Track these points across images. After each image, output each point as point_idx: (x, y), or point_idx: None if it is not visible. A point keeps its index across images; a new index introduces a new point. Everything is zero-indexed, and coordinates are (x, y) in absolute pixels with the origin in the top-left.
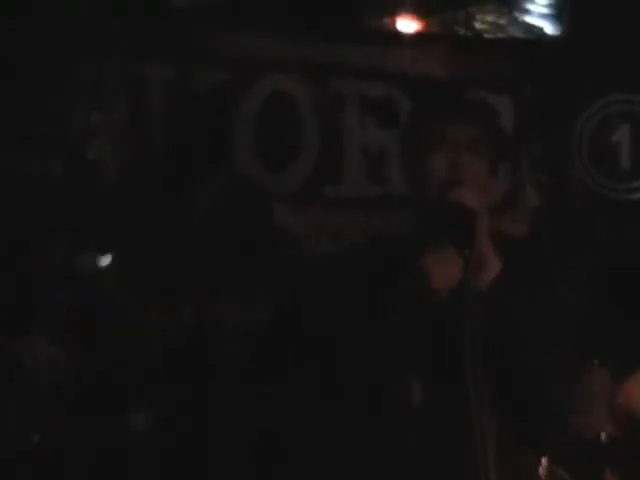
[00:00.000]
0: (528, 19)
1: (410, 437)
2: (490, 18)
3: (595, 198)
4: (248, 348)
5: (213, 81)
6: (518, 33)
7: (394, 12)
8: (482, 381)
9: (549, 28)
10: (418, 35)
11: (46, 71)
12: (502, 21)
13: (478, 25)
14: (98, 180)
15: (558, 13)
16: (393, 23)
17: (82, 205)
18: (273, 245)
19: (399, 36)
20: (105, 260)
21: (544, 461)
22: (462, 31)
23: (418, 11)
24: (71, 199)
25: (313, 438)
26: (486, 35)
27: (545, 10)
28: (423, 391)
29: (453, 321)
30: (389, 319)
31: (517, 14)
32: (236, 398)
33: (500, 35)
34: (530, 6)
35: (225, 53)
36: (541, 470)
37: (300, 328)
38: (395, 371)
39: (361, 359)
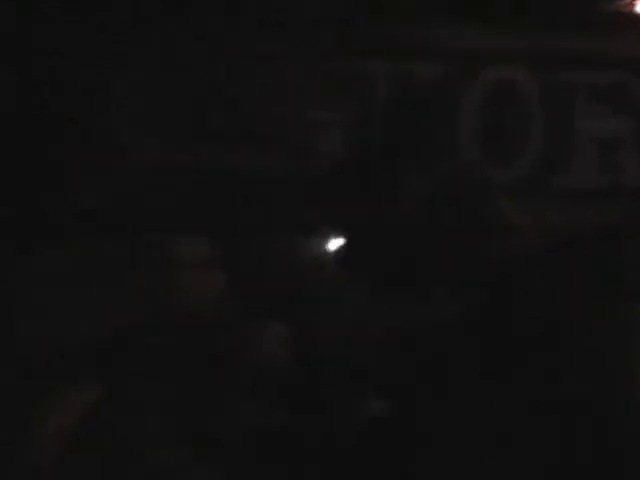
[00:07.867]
0: None
1: None
2: None
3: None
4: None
5: (436, 73)
6: None
7: None
8: None
9: None
10: None
11: (270, 70)
12: None
13: None
14: (321, 175)
15: None
16: (627, 6)
17: (304, 203)
18: (495, 234)
19: (633, 19)
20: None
21: None
22: None
23: None
24: (294, 198)
25: None
26: None
27: None
28: None
29: None
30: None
31: None
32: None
33: None
34: None
35: (448, 45)
36: None
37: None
38: None
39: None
